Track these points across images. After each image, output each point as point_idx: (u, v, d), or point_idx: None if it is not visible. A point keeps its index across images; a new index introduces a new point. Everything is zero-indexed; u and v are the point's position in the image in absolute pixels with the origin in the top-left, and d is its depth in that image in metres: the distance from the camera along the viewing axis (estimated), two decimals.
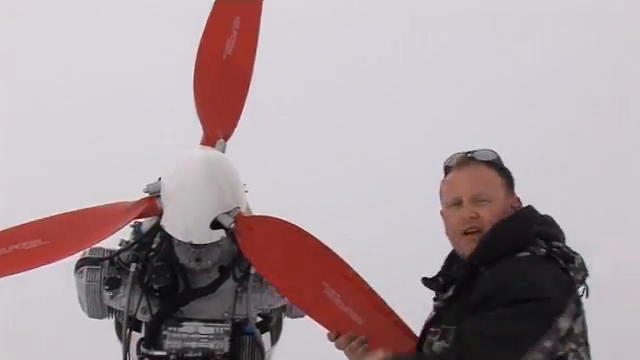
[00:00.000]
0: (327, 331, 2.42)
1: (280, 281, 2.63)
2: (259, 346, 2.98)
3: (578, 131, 5.85)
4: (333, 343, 2.38)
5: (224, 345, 2.86)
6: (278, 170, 5.53)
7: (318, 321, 2.49)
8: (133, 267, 2.89)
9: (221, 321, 2.91)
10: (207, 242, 2.73)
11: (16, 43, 6.08)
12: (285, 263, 2.58)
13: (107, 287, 2.91)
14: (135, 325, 2.94)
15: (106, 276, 2.92)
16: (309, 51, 6.00)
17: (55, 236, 2.76)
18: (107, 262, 2.94)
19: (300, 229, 2.61)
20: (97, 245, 2.91)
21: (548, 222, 2.22)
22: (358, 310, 2.48)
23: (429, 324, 2.28)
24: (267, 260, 2.62)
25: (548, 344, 1.97)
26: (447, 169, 2.35)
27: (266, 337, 3.09)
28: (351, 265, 2.57)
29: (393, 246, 5.50)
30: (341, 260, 2.58)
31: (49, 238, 2.74)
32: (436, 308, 2.29)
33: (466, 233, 2.22)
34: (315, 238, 2.60)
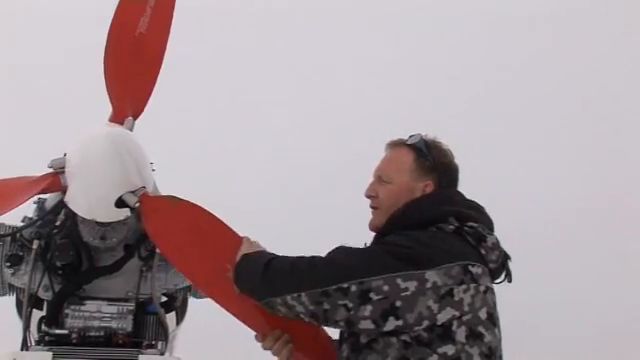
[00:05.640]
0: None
1: (183, 264, 2.57)
2: (163, 326, 2.98)
3: None
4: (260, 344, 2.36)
5: (127, 324, 2.86)
6: None
7: (221, 305, 2.44)
8: (36, 244, 2.84)
9: (125, 300, 2.90)
10: (111, 220, 2.71)
11: None
12: (189, 246, 2.51)
13: (8, 264, 2.88)
14: (37, 303, 2.90)
15: (8, 253, 2.89)
16: None
17: None
18: (9, 238, 2.90)
19: (206, 212, 2.55)
20: None
21: (470, 206, 2.29)
22: None
23: None
24: (171, 242, 2.56)
25: (410, 285, 2.02)
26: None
27: (171, 317, 3.09)
28: None
29: None
30: None
31: None
32: None
33: (371, 207, 2.36)
34: (221, 221, 2.54)
